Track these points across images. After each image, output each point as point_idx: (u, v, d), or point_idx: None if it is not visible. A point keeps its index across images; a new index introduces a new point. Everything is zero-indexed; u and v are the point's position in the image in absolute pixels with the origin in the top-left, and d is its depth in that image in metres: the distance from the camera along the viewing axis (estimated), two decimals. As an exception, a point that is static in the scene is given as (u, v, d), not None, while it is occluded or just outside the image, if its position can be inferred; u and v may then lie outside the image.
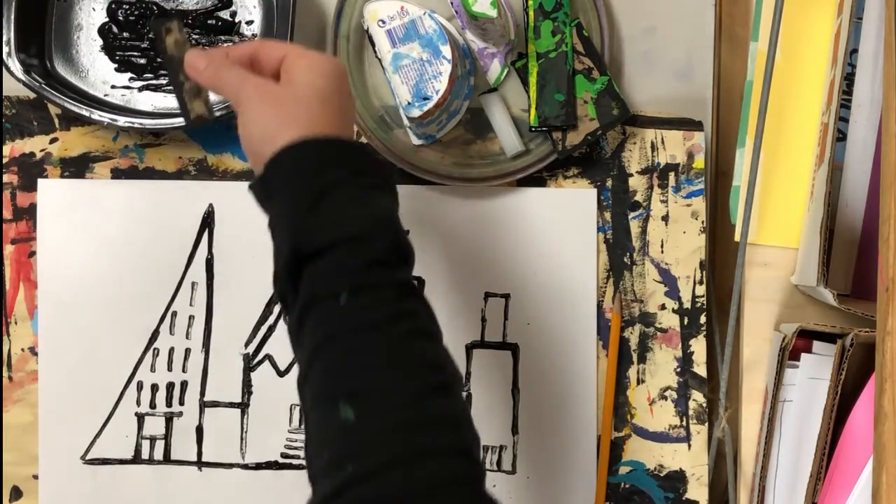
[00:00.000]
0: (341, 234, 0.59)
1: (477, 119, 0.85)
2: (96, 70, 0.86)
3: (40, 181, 0.86)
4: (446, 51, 0.79)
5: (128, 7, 0.86)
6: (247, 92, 0.64)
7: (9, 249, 0.86)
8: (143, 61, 0.86)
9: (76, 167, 0.86)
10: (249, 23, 0.86)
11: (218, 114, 0.79)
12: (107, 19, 0.86)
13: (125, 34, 0.86)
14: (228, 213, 0.86)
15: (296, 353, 0.61)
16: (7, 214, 0.86)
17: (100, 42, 0.86)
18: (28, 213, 0.86)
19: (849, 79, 0.78)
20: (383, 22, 0.80)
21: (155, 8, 0.85)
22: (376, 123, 0.84)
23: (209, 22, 0.85)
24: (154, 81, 0.86)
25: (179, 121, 0.81)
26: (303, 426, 0.85)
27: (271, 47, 0.67)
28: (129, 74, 0.86)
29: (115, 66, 0.86)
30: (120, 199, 0.86)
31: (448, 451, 0.56)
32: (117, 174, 0.86)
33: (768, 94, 0.76)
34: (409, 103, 0.79)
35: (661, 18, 0.87)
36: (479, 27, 0.81)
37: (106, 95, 0.86)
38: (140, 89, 0.86)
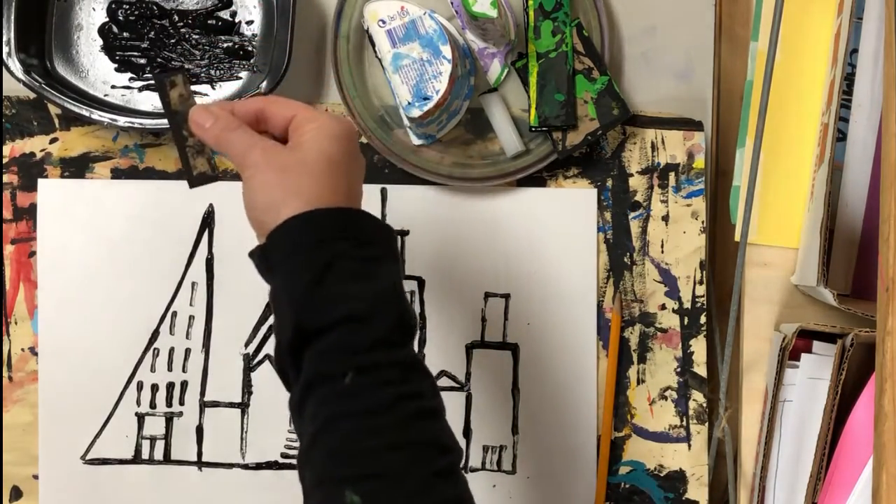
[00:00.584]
0: (345, 312, 0.58)
1: (477, 119, 0.85)
2: (96, 70, 0.86)
3: (40, 181, 0.86)
4: (446, 51, 0.79)
5: (128, 7, 0.86)
6: (253, 157, 0.62)
7: (9, 249, 0.86)
8: (143, 61, 0.86)
9: (76, 167, 0.86)
10: (249, 23, 0.86)
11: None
12: (107, 19, 0.86)
13: (125, 34, 0.86)
14: (228, 213, 0.86)
15: (297, 428, 0.60)
16: (7, 214, 0.86)
17: (100, 42, 0.86)
18: (28, 213, 0.86)
19: (849, 79, 0.78)
20: (383, 22, 0.80)
21: (155, 8, 0.85)
22: (376, 123, 0.84)
23: (209, 22, 0.86)
24: (154, 81, 0.86)
25: None
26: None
27: (279, 105, 0.65)
28: (129, 74, 0.86)
29: (116, 66, 0.86)
30: (120, 199, 0.86)
31: None
32: (117, 174, 0.86)
33: (768, 94, 0.76)
34: (409, 103, 0.79)
35: (661, 18, 0.87)
36: (480, 27, 0.81)
37: (106, 95, 0.86)
38: (140, 89, 0.86)
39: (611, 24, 0.85)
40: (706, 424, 0.86)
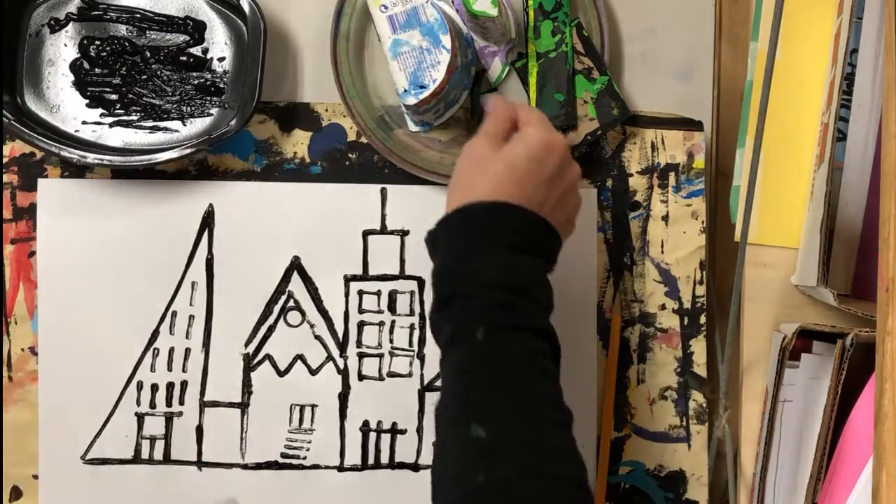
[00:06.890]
0: (484, 280, 0.66)
1: (478, 118, 0.85)
2: (67, 106, 0.85)
3: (40, 181, 0.86)
4: (446, 40, 0.79)
5: (99, 43, 0.85)
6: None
7: (9, 249, 0.86)
8: (114, 97, 0.85)
9: (76, 167, 0.86)
10: (221, 59, 0.85)
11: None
12: (78, 55, 0.85)
13: (97, 70, 0.85)
14: (228, 213, 0.86)
15: (442, 384, 0.66)
16: (7, 214, 0.86)
17: (71, 77, 0.85)
18: (28, 213, 0.86)
19: (849, 79, 0.78)
20: (385, 7, 0.80)
21: (126, 44, 0.85)
22: (376, 123, 0.84)
23: (181, 58, 0.85)
24: (125, 118, 0.85)
25: (147, 158, 0.82)
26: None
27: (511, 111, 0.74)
28: (101, 110, 0.85)
29: (87, 101, 0.85)
30: (120, 199, 0.86)
31: (568, 477, 0.60)
32: (117, 174, 0.86)
33: (768, 94, 0.76)
34: (405, 90, 0.79)
35: (661, 18, 0.87)
36: (480, 26, 0.81)
37: (77, 131, 0.85)
38: (111, 125, 0.85)
39: (611, 24, 0.85)
40: (706, 424, 0.86)
